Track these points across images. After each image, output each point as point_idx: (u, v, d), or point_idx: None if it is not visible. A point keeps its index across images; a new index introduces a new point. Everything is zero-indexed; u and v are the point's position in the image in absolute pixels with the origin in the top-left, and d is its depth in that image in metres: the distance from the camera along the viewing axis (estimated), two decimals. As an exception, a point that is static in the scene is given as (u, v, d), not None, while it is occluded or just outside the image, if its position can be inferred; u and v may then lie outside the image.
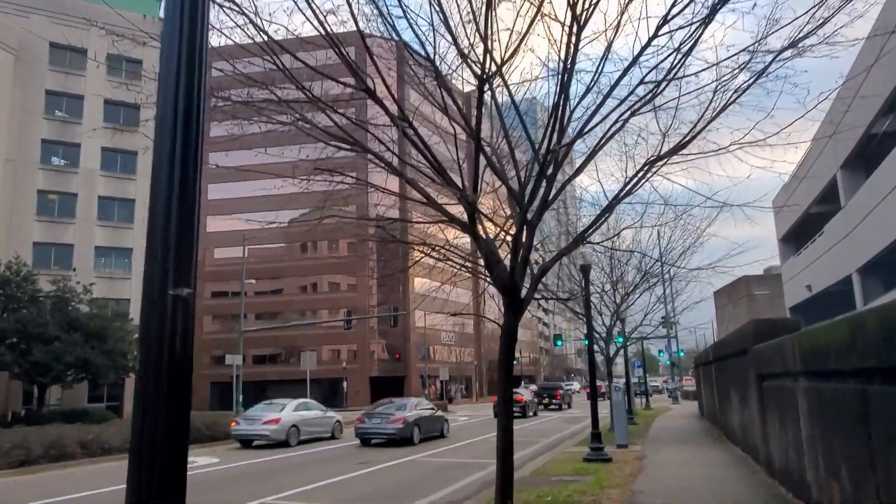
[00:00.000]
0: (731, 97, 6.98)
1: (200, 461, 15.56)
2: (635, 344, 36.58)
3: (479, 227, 7.71)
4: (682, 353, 59.88)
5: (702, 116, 7.12)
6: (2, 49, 35.35)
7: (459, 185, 6.45)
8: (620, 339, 23.60)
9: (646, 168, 7.12)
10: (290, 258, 72.85)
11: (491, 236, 7.41)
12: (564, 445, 17.37)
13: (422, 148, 6.36)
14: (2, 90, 35.33)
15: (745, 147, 7.28)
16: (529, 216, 6.56)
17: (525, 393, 34.49)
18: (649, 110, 7.03)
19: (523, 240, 6.62)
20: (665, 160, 7.00)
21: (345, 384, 64.04)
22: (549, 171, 6.38)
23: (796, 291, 30.85)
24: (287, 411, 19.84)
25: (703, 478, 10.47)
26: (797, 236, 31.13)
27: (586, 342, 21.78)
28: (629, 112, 6.90)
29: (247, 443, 19.17)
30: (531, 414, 33.32)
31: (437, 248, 7.89)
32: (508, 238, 7.13)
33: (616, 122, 6.72)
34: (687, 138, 7.06)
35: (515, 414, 37.83)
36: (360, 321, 66.60)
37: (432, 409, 21.51)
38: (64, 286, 31.68)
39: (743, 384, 12.34)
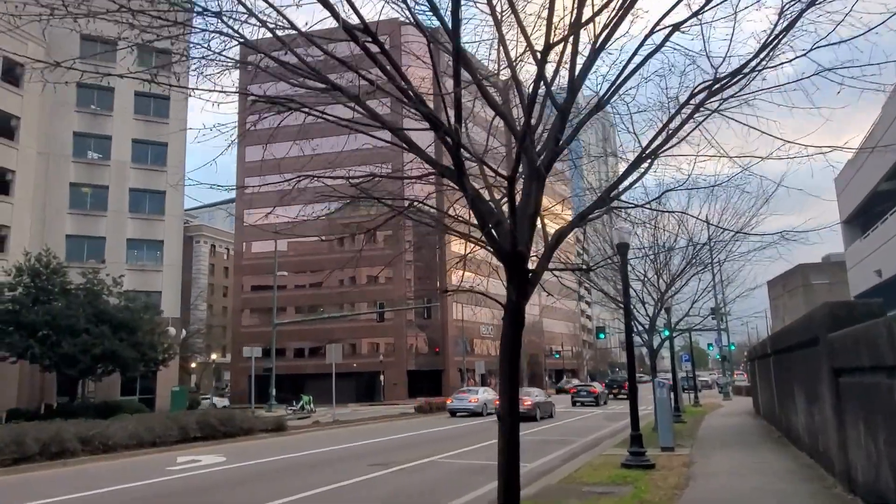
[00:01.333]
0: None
1: (205, 460, 14.50)
2: (682, 335, 34.36)
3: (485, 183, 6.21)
4: (732, 347, 56.88)
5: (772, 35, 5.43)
6: (32, 42, 35.32)
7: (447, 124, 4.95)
8: (666, 332, 21.69)
9: (693, 101, 5.48)
10: (329, 251, 72.52)
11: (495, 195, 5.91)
12: (606, 445, 15.70)
13: (384, 63, 4.89)
14: (33, 83, 35.34)
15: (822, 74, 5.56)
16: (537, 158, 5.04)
17: (597, 385, 44.02)
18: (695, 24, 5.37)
19: (521, 189, 5.14)
20: (720, 89, 5.35)
21: (381, 378, 63.21)
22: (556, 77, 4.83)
23: (863, 278, 28.20)
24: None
25: (766, 492, 8.72)
26: (864, 217, 28.42)
27: (645, 343, 20.04)
28: (672, 28, 5.27)
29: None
30: (602, 403, 39.99)
31: (416, 203, 6.38)
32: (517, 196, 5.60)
33: (652, 34, 5.11)
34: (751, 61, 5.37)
35: (588, 402, 38.68)
36: (397, 315, 65.78)
37: (547, 396, 27.88)
38: (94, 278, 31.45)
39: (811, 380, 10.49)
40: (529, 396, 26.82)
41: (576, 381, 74.86)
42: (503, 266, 5.42)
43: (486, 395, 31.28)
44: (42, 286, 30.33)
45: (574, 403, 39.42)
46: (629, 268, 17.96)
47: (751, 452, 13.06)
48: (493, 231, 5.24)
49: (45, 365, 29.80)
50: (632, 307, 18.90)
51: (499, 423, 5.72)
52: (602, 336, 64.21)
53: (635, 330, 19.34)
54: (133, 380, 35.55)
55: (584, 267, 5.87)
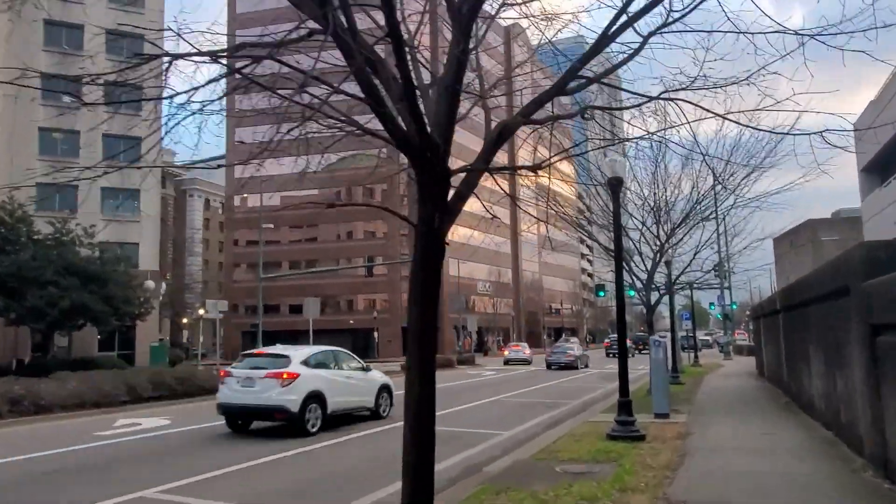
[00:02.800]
0: None
1: (146, 423, 13.01)
2: (682, 293, 32.73)
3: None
4: (734, 306, 55.45)
5: None
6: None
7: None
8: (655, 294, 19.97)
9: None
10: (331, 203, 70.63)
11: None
12: (595, 409, 14.18)
13: None
14: (-6, 19, 32.97)
15: None
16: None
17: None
18: None
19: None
20: None
21: (376, 335, 62.14)
22: None
23: (881, 230, 26.32)
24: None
25: (779, 477, 7.09)
26: (884, 165, 26.35)
27: (631, 292, 18.27)
28: None
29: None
30: (631, 356, 46.60)
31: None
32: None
33: None
34: None
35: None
36: (392, 270, 64.33)
37: (584, 349, 29.55)
38: (62, 228, 29.78)
39: (834, 339, 8.80)
40: (573, 350, 35.39)
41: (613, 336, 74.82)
42: (411, 166, 3.61)
43: (581, 351, 37.01)
44: (6, 236, 28.72)
45: (608, 355, 46.69)
46: (625, 214, 16.13)
47: (756, 421, 11.48)
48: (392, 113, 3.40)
49: (11, 319, 28.40)
50: (628, 260, 17.16)
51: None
52: (602, 294, 62.66)
53: (632, 285, 17.64)
54: (111, 335, 34.27)
55: (534, 165, 4.19)
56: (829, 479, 6.97)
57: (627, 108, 5.29)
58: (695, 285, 30.66)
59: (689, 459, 8.04)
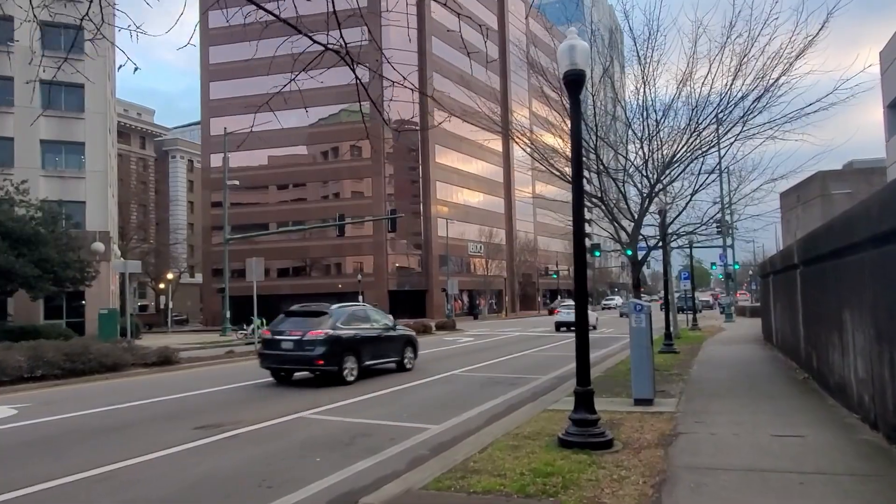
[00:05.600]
0: None
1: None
2: (681, 251, 29.70)
3: None
4: (737, 266, 52.53)
5: None
6: None
7: None
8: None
9: None
10: (312, 163, 67.29)
11: None
12: (567, 387, 11.27)
13: None
14: None
15: None
16: None
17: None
18: None
19: None
20: None
21: (360, 298, 59.30)
22: None
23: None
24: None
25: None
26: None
27: (628, 252, 15.16)
28: None
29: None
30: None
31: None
32: None
33: None
34: None
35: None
36: (377, 231, 61.24)
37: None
38: (-11, 184, 26.66)
39: (888, 301, 5.80)
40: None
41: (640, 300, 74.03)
42: None
43: (594, 313, 35.99)
44: (-77, 193, 25.70)
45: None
46: (591, 134, 12.99)
47: (769, 410, 8.55)
48: None
49: (-72, 285, 25.55)
50: (611, 206, 14.05)
51: None
52: (598, 254, 59.58)
53: (615, 237, 14.57)
54: (54, 300, 31.45)
55: None
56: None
57: None
58: (694, 241, 27.71)
59: (672, 490, 5.11)
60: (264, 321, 35.40)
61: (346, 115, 66.61)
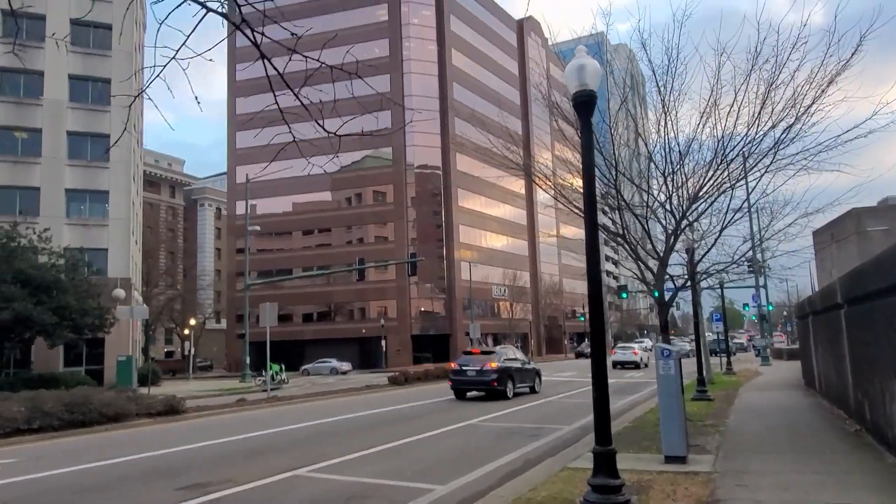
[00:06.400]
0: None
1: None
2: (710, 291, 28.49)
3: None
4: (771, 307, 50.62)
5: None
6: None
7: None
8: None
9: None
10: (337, 208, 67.62)
11: None
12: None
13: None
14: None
15: None
16: None
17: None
18: None
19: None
20: None
21: (384, 343, 58.53)
22: None
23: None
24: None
25: None
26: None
27: (656, 296, 14.29)
28: None
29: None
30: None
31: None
32: None
33: None
34: None
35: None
36: (400, 276, 60.67)
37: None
38: (12, 232, 26.88)
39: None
40: (637, 346, 41.36)
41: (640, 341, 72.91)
42: None
43: (647, 346, 41.04)
44: (-54, 242, 25.96)
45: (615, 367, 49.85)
46: (614, 173, 12.31)
47: (821, 472, 7.53)
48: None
49: (-52, 333, 25.57)
50: (633, 241, 13.27)
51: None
52: (624, 295, 58.44)
53: (640, 277, 13.72)
54: (75, 348, 31.33)
55: None
56: None
57: None
58: (725, 281, 26.52)
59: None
60: (282, 367, 34.91)
61: (370, 161, 67.24)
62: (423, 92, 66.46)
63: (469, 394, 20.55)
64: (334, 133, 4.77)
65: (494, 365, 19.77)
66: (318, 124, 4.89)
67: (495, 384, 19.56)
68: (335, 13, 66.95)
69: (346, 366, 51.66)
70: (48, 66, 32.49)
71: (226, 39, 4.82)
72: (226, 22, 4.25)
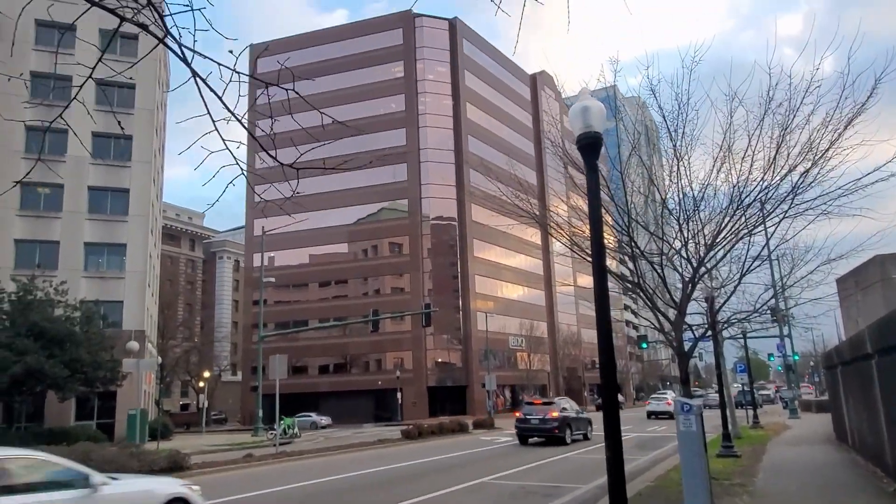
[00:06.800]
0: None
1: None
2: (733, 341, 27.70)
3: None
4: (796, 357, 49.15)
5: None
6: (-28, 24, 31.65)
7: None
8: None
9: None
10: (353, 260, 67.76)
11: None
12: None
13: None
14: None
15: None
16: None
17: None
18: None
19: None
20: None
21: (399, 395, 57.48)
22: None
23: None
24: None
25: None
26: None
27: (674, 346, 13.82)
28: None
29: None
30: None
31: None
32: None
33: None
34: None
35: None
36: (416, 327, 60.03)
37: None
38: (29, 285, 27.07)
39: None
40: (668, 397, 39.97)
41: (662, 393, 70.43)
42: None
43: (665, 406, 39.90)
44: (-37, 296, 26.18)
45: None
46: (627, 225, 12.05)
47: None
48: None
49: (-40, 386, 25.45)
50: (649, 290, 12.88)
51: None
52: (644, 346, 57.04)
53: (658, 327, 13.25)
54: (87, 401, 31.07)
55: None
56: None
57: None
58: (748, 331, 25.77)
59: None
60: (294, 420, 34.29)
61: (386, 214, 67.72)
62: (439, 145, 67.39)
63: (530, 440, 22.85)
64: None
65: (555, 414, 22.19)
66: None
67: (556, 431, 21.89)
68: (354, 70, 68.80)
69: (325, 420, 52.11)
70: (73, 124, 33.35)
71: (246, 96, 4.74)
72: (246, 81, 4.17)
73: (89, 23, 29.57)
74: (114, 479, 7.98)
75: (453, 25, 71.64)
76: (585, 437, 23.58)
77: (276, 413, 23.32)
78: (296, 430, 32.64)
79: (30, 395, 26.41)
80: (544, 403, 23.50)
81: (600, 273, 5.51)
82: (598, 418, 35.29)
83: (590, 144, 5.99)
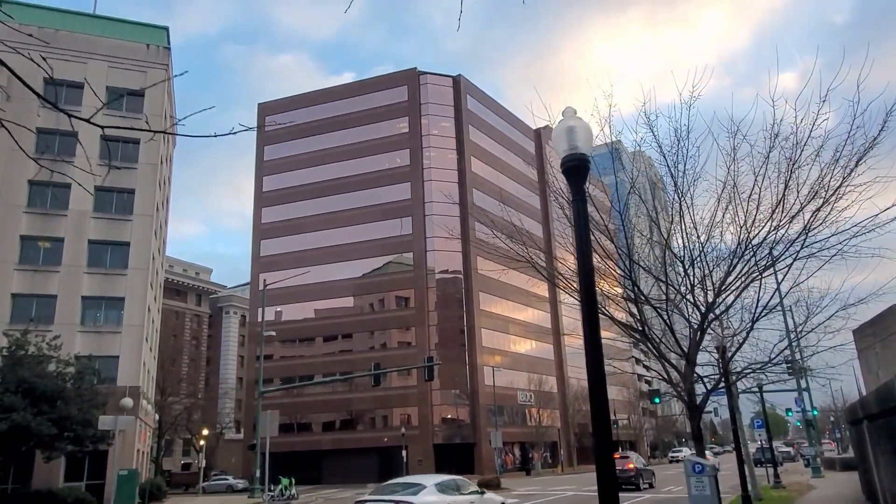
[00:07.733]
0: None
1: None
2: (749, 395, 26.46)
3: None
4: (815, 412, 47.23)
5: None
6: (-19, 81, 32.25)
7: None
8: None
9: None
10: (359, 313, 66.94)
11: None
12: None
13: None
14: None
15: None
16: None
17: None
18: None
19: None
20: None
21: (404, 454, 55.54)
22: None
23: None
24: None
25: None
26: None
27: (685, 400, 12.93)
28: None
29: None
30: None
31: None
32: None
33: None
34: None
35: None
36: (422, 382, 58.60)
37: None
38: (21, 340, 26.47)
39: None
40: (628, 460, 39.73)
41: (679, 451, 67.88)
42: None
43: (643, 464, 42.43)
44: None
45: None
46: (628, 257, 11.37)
47: None
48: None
49: (-56, 447, 24.53)
50: (655, 338, 12.06)
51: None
52: (657, 400, 55.05)
53: (665, 377, 12.38)
54: (78, 461, 29.93)
55: None
56: None
57: None
58: (763, 383, 24.59)
59: None
60: (292, 480, 32.83)
61: (391, 267, 67.30)
62: (443, 198, 67.52)
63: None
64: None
65: (632, 466, 28.25)
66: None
67: (632, 479, 27.99)
68: (360, 126, 69.74)
69: (240, 483, 51.27)
70: (76, 178, 33.49)
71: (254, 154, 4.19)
72: (255, 139, 3.63)
73: (97, 77, 29.71)
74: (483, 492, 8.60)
75: (457, 82, 72.94)
76: (651, 486, 29.47)
77: (266, 472, 22.21)
78: (293, 490, 31.20)
79: (14, 454, 25.39)
80: (621, 458, 29.09)
81: (589, 304, 4.82)
82: (574, 481, 34.22)
83: (576, 167, 5.38)
